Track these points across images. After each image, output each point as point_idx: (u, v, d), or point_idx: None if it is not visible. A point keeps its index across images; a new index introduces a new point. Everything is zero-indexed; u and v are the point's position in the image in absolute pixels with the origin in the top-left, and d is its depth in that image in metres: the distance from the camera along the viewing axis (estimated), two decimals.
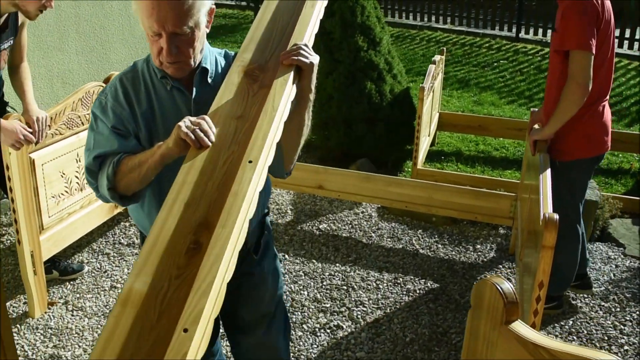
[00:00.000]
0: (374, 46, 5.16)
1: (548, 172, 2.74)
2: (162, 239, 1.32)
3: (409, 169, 5.13)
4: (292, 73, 1.68)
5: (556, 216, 2.26)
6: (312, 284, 3.66)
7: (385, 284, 3.65)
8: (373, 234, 4.22)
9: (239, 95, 1.64)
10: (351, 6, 5.08)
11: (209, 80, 1.82)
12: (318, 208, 4.58)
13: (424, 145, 4.94)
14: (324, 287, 3.63)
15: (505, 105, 7.08)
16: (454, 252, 4.01)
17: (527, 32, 10.12)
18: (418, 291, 3.60)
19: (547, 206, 2.41)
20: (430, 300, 3.51)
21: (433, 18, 11.19)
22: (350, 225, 4.33)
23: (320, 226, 4.32)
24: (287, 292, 3.56)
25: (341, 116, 5.04)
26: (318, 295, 3.54)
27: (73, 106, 3.47)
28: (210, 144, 1.51)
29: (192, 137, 1.50)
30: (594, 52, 2.81)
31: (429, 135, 5.29)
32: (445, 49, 5.80)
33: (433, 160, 5.55)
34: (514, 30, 10.22)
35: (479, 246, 4.07)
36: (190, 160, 1.49)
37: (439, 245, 4.09)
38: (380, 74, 5.11)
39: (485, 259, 3.93)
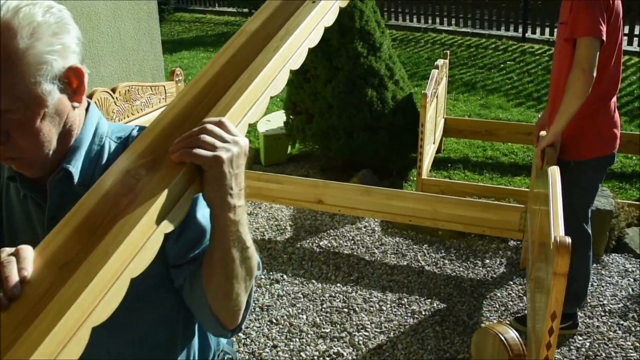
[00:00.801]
0: (374, 52, 4.97)
1: (558, 188, 2.53)
2: None
3: (415, 178, 4.93)
4: (176, 179, 0.94)
5: (568, 240, 2.05)
6: (311, 306, 3.46)
7: (388, 305, 3.44)
8: (376, 250, 4.01)
9: (91, 217, 0.92)
10: (349, 11, 4.88)
11: (77, 185, 1.14)
12: (319, 223, 4.37)
13: (428, 153, 4.73)
14: (323, 310, 3.42)
15: (513, 108, 6.86)
16: (461, 268, 3.79)
17: (533, 32, 9.89)
18: (423, 312, 3.39)
19: (558, 228, 2.19)
20: (436, 323, 3.30)
21: (437, 20, 10.98)
22: (352, 241, 4.13)
23: (321, 243, 4.12)
24: (285, 317, 3.36)
25: (342, 125, 4.84)
26: (317, 319, 3.34)
27: None
28: (4, 301, 0.82)
29: None
30: (604, 38, 2.68)
31: (434, 143, 5.08)
32: (448, 52, 5.59)
33: (439, 168, 5.34)
34: (520, 30, 9.99)
35: (487, 261, 3.85)
36: None
37: (446, 261, 3.87)
38: (381, 81, 4.92)
39: (494, 275, 3.71)
